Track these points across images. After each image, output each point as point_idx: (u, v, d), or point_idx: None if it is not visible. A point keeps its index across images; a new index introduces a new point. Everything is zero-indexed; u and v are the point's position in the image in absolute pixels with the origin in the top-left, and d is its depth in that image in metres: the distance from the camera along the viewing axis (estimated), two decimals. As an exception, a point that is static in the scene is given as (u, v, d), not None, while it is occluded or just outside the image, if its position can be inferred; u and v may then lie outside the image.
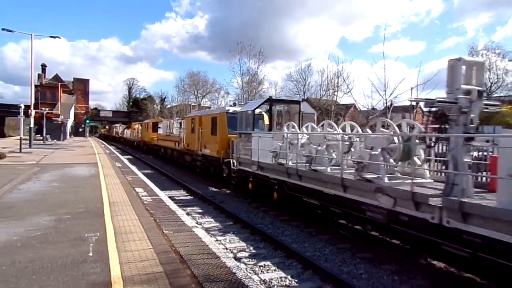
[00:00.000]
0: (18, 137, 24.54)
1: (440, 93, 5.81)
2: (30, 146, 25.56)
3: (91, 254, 4.65)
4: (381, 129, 7.41)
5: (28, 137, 26.78)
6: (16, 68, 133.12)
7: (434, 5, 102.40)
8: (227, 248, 6.90)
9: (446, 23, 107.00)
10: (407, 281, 5.62)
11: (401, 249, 6.71)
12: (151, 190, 10.04)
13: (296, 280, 5.58)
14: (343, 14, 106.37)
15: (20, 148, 22.27)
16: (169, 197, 9.74)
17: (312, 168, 7.88)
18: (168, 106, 66.05)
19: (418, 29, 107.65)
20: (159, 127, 28.86)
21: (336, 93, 31.64)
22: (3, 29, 24.13)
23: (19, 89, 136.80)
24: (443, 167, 6.80)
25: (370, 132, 8.13)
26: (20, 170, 12.92)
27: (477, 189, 5.25)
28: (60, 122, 45.48)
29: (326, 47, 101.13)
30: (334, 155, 8.01)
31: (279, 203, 9.90)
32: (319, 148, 8.05)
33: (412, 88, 17.73)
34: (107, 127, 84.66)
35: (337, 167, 7.42)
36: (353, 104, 32.45)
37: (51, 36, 28.16)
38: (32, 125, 27.91)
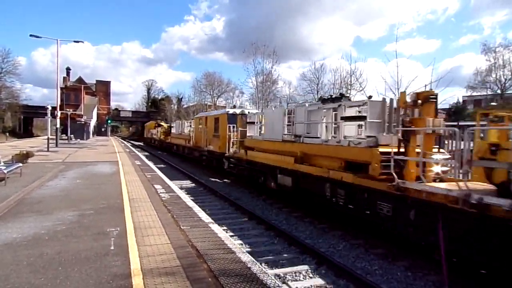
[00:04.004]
0: (46, 137, 25.64)
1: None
2: (56, 145, 26.71)
3: (112, 247, 4.85)
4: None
5: (54, 137, 28.05)
6: (45, 72, 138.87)
7: (451, 2, 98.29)
8: (242, 243, 6.99)
9: (462, 20, 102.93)
10: (422, 277, 5.57)
11: (414, 245, 6.62)
12: (168, 187, 10.32)
13: (310, 276, 5.60)
14: (358, 13, 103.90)
15: (48, 147, 23.33)
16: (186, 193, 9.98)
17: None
18: (185, 106, 67.05)
19: (434, 27, 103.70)
20: None
21: (349, 91, 31.17)
22: (31, 35, 25.32)
23: (47, 92, 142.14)
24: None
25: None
26: (48, 168, 13.58)
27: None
28: (83, 122, 47.31)
29: (340, 46, 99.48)
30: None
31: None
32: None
33: (425, 86, 17.41)
34: (163, 124, 40.91)
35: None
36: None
37: (74, 41, 29.57)
38: (58, 125, 29.15)
